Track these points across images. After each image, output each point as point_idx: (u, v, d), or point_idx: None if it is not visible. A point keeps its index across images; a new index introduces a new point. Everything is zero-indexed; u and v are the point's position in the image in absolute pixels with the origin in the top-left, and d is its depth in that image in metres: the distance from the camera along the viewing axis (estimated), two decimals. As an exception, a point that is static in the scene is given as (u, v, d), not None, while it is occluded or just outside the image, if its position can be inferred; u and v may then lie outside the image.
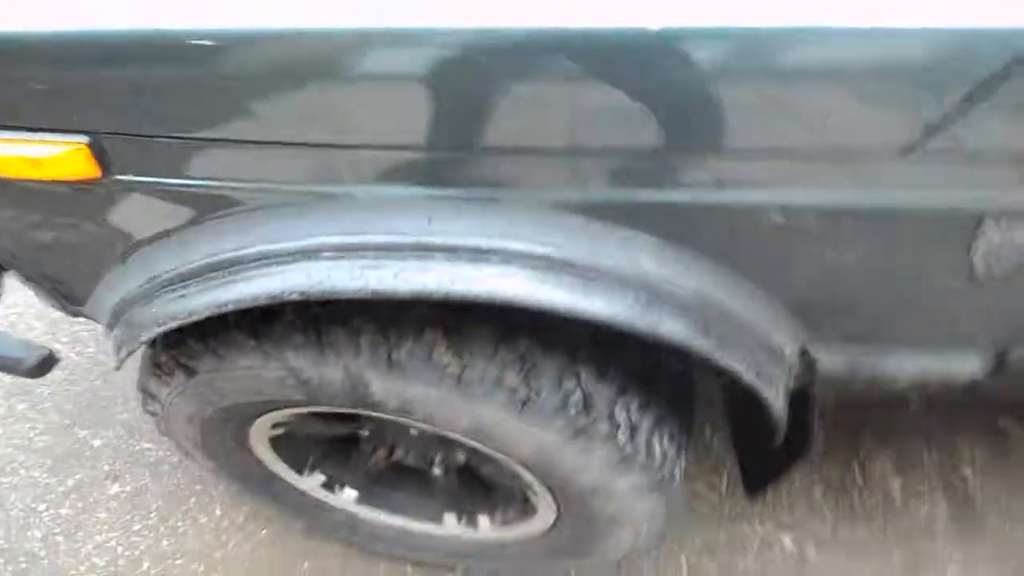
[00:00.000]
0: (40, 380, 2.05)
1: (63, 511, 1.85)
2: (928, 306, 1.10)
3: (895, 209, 0.94)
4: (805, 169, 0.90)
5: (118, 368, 1.18)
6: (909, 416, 2.04)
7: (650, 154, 0.89)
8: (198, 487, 1.89)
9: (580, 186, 0.94)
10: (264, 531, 1.82)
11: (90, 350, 2.14)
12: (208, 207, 1.02)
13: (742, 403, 1.27)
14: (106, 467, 1.93)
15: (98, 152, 0.96)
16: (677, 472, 1.32)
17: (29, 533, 1.81)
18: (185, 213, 1.03)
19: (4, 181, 1.02)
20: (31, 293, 1.29)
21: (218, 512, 1.85)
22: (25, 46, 0.90)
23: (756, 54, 0.80)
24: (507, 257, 0.96)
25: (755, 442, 1.48)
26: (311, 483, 1.60)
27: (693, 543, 1.81)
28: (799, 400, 1.35)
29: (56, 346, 1.91)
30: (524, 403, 1.12)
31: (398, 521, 1.64)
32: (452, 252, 0.96)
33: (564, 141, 0.89)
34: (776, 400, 1.15)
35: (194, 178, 0.98)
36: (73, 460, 1.94)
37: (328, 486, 1.62)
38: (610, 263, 0.98)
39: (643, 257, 0.99)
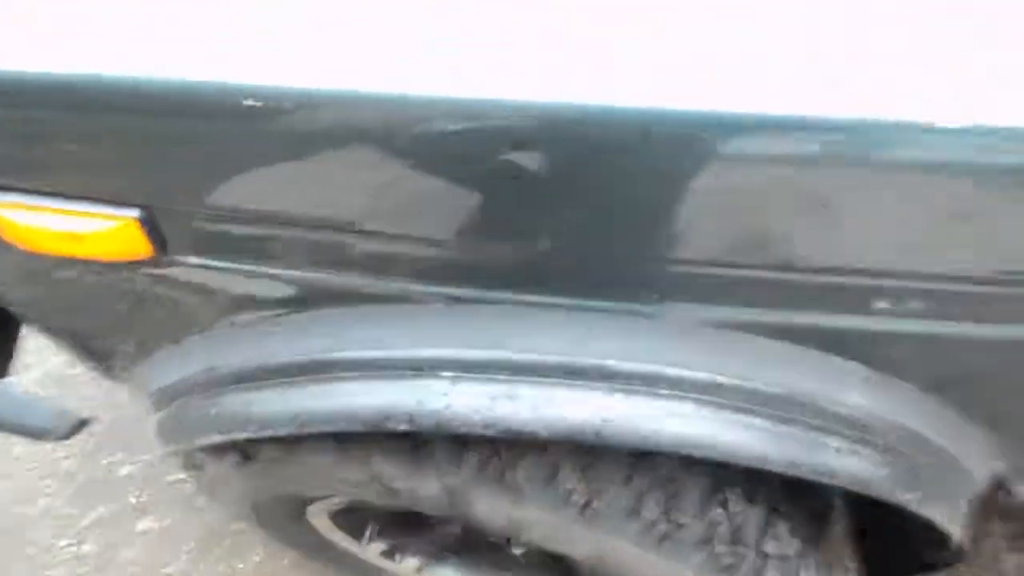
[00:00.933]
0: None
1: (86, 547, 1.67)
2: None
3: None
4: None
5: (161, 455, 0.98)
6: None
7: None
8: (235, 527, 1.70)
9: (783, 306, 0.72)
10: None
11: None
12: (290, 300, 0.80)
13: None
14: (133, 499, 1.74)
15: (150, 228, 0.74)
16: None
17: (50, 572, 1.63)
18: (260, 303, 0.81)
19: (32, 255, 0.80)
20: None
21: (257, 558, 1.67)
22: (60, 89, 0.68)
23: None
24: (683, 388, 0.75)
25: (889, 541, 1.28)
26: (371, 550, 1.41)
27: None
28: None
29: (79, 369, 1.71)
30: (663, 537, 0.91)
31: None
32: (612, 378, 0.75)
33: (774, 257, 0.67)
34: (957, 532, 0.95)
35: (271, 266, 0.77)
36: (98, 489, 1.75)
37: (389, 555, 1.42)
38: (813, 399, 0.77)
39: (852, 391, 0.78)
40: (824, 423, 0.77)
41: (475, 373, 0.76)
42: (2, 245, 0.79)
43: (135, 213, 0.73)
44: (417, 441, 0.91)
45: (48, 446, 1.80)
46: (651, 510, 0.90)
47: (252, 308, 0.82)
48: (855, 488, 0.79)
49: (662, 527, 0.90)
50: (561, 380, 0.74)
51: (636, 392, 0.74)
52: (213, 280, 0.79)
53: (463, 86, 0.61)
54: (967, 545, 1.13)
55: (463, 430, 0.74)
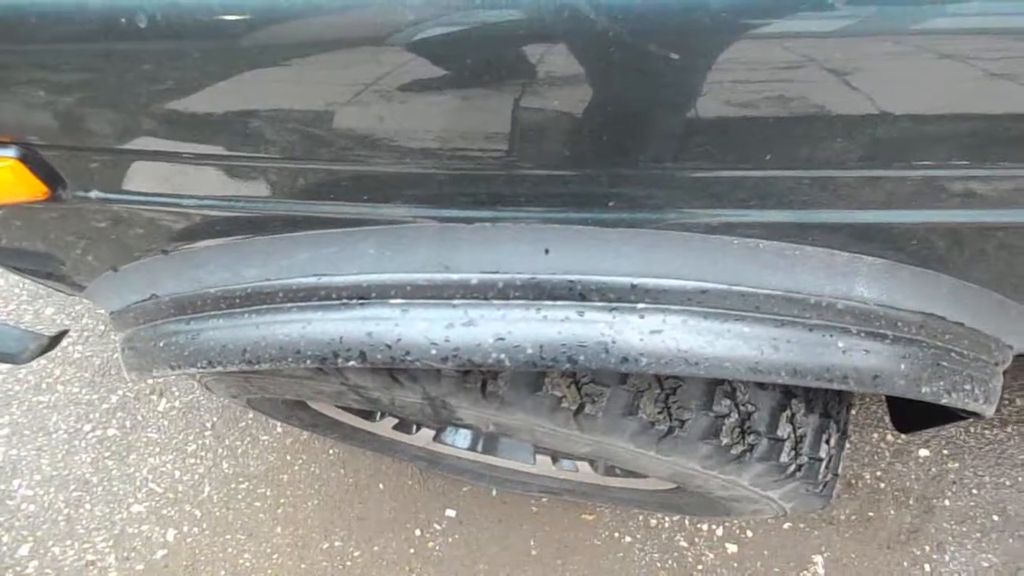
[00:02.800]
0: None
1: (111, 431, 1.68)
2: None
3: None
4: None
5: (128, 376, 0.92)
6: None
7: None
8: (250, 415, 1.68)
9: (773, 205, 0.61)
10: (332, 451, 1.64)
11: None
12: (220, 227, 0.70)
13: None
14: (149, 380, 1.72)
15: (37, 168, 0.64)
16: (839, 467, 1.05)
17: (77, 458, 1.65)
18: (190, 232, 0.72)
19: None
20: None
21: (279, 429, 1.67)
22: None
23: None
24: (665, 299, 0.65)
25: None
26: (383, 425, 1.38)
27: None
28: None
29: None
30: (664, 435, 0.84)
31: (482, 458, 1.44)
32: (588, 296, 0.65)
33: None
34: (989, 408, 0.86)
35: (183, 197, 0.66)
36: (114, 372, 1.75)
37: (403, 428, 1.40)
38: (811, 297, 0.66)
39: (857, 283, 0.67)
40: (827, 321, 0.67)
41: (430, 298, 0.66)
42: None
43: (13, 152, 0.62)
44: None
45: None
46: (650, 408, 0.83)
47: (176, 239, 0.72)
48: (871, 390, 0.69)
49: (662, 425, 0.83)
50: (526, 301, 0.65)
51: (613, 309, 0.65)
52: (125, 215, 0.69)
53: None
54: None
55: (418, 365, 0.66)
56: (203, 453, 1.65)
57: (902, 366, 0.70)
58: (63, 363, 1.76)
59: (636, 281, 0.64)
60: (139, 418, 1.70)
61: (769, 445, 0.89)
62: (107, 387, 1.73)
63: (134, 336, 0.84)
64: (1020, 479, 1.56)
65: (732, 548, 1.54)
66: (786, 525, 1.54)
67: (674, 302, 0.64)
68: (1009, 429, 1.60)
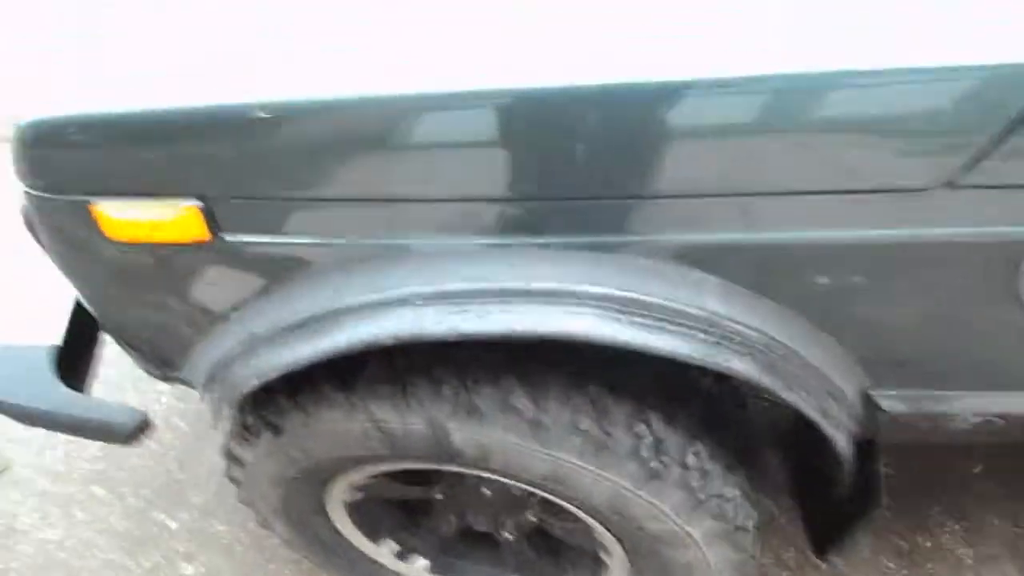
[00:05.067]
0: (117, 466, 2.15)
1: (141, 591, 1.90)
2: (983, 345, 1.15)
3: (937, 245, 1.00)
4: (848, 208, 0.98)
5: (215, 427, 1.26)
6: (973, 485, 2.03)
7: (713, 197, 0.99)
8: (272, 566, 1.92)
9: (652, 231, 1.03)
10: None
11: (168, 436, 2.22)
12: (303, 264, 1.12)
13: (809, 456, 1.31)
14: (181, 548, 1.98)
15: (208, 215, 1.07)
16: (749, 524, 1.34)
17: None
18: (283, 271, 1.13)
19: (129, 250, 1.13)
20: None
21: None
22: (138, 124, 1.04)
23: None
24: (583, 299, 1.04)
25: (823, 500, 1.50)
26: (384, 551, 1.64)
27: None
28: (865, 454, 1.38)
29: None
30: (598, 447, 1.17)
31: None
32: (531, 295, 1.04)
33: (636, 188, 0.98)
34: (840, 440, 1.19)
35: (292, 235, 1.09)
36: (150, 543, 2.00)
37: (401, 555, 1.65)
38: (679, 304, 1.05)
39: (710, 298, 1.06)
40: (690, 322, 1.05)
41: (437, 300, 1.06)
42: (99, 242, 1.12)
43: (196, 203, 1.06)
44: (404, 387, 1.20)
45: (104, 508, 2.06)
46: (587, 423, 1.17)
47: (278, 276, 1.13)
48: (725, 371, 1.05)
49: (597, 436, 1.16)
50: (496, 298, 1.04)
51: (554, 303, 1.04)
52: (252, 254, 1.11)
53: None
54: (880, 481, 1.38)
55: (432, 339, 1.03)
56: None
57: (745, 362, 1.07)
58: (107, 534, 2.02)
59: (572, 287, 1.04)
60: (166, 581, 1.92)
61: (680, 472, 1.21)
62: (143, 555, 1.97)
63: (229, 373, 1.20)
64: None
65: None
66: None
67: (591, 300, 1.04)
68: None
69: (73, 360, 1.49)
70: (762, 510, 1.47)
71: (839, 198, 0.97)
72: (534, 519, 1.52)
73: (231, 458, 1.43)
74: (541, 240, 1.04)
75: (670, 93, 0.91)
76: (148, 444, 2.19)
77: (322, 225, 1.08)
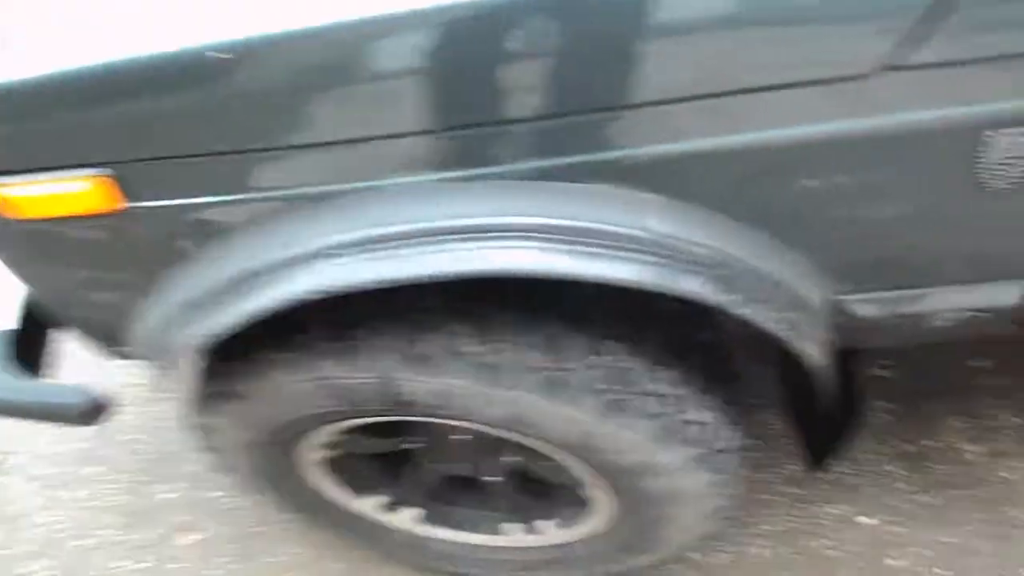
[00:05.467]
0: (109, 444, 2.14)
1: (142, 565, 1.89)
2: (953, 236, 1.08)
3: (888, 135, 0.93)
4: (791, 103, 0.90)
5: (164, 396, 1.22)
6: (982, 381, 1.98)
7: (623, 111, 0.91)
8: (270, 528, 1.91)
9: (586, 150, 0.95)
10: (340, 564, 1.83)
11: (155, 409, 2.21)
12: (220, 225, 1.06)
13: (794, 374, 1.25)
14: (181, 518, 1.97)
15: (120, 182, 1.01)
16: (731, 445, 1.29)
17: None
18: (208, 232, 1.07)
19: (37, 229, 1.08)
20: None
21: (297, 549, 1.87)
22: (35, 90, 0.97)
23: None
24: (515, 231, 0.97)
25: (813, 414, 1.45)
26: (374, 505, 1.61)
27: (768, 531, 1.77)
28: (847, 361, 1.33)
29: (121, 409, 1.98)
30: (554, 384, 1.12)
31: (460, 536, 1.64)
32: (463, 233, 0.98)
33: (565, 105, 0.91)
34: (811, 351, 1.13)
35: (205, 195, 1.02)
36: (149, 516, 1.99)
37: (392, 507, 1.62)
38: (621, 228, 0.98)
39: (653, 218, 1.00)
40: (633, 245, 0.98)
41: (364, 247, 0.99)
42: (5, 223, 1.07)
43: (105, 171, 1.00)
44: (347, 340, 1.15)
45: (100, 486, 2.06)
46: (539, 360, 1.11)
47: (203, 238, 1.07)
48: (675, 292, 0.99)
49: (551, 373, 1.11)
50: (425, 239, 0.98)
51: (488, 239, 0.97)
52: (172, 217, 1.05)
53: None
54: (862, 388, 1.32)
55: (361, 288, 0.97)
56: (221, 577, 1.85)
57: (696, 282, 1.00)
58: (104, 511, 2.01)
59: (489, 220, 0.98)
60: (167, 553, 1.92)
61: (643, 401, 1.16)
62: (140, 528, 1.97)
63: (168, 341, 1.15)
64: (955, 540, 1.71)
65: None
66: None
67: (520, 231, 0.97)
68: (940, 493, 1.79)
69: (29, 343, 1.46)
70: (750, 428, 1.42)
71: (778, 94, 0.89)
72: (512, 460, 1.48)
73: (204, 429, 1.40)
74: (467, 173, 0.98)
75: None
76: (139, 417, 2.18)
77: (234, 181, 1.01)
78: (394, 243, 0.99)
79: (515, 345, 1.12)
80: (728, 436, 1.29)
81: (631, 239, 0.98)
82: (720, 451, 1.27)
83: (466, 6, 0.86)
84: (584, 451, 1.22)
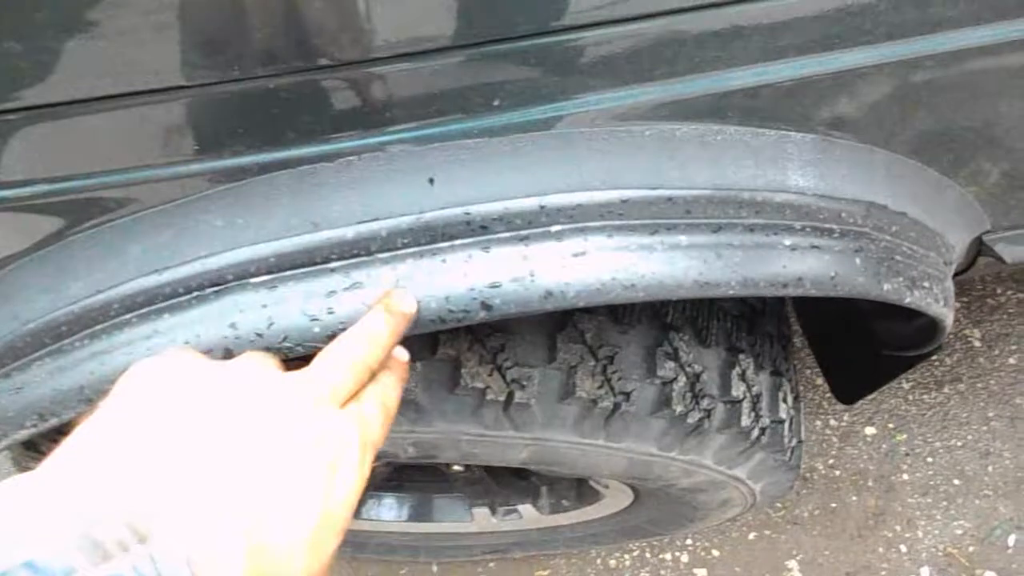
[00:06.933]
0: None
1: None
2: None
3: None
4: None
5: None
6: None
7: None
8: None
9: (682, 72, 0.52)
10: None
11: None
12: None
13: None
14: None
15: None
16: (802, 435, 0.96)
17: None
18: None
19: None
20: None
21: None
22: None
23: None
24: (575, 217, 0.54)
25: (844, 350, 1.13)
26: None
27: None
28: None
29: None
30: (610, 414, 0.73)
31: (414, 528, 1.28)
32: (488, 228, 0.54)
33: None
34: (949, 316, 0.78)
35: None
36: None
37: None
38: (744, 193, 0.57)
39: (790, 170, 0.58)
40: (767, 220, 0.57)
41: (298, 267, 0.53)
42: None
43: None
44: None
45: None
46: (587, 386, 0.71)
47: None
48: (827, 293, 0.60)
49: (606, 403, 0.72)
50: (419, 247, 0.53)
51: (523, 238, 0.53)
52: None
53: None
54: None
55: (300, 351, 0.53)
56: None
57: (857, 261, 0.61)
58: None
59: (544, 200, 0.53)
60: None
61: (726, 409, 0.79)
62: None
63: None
64: (969, 437, 1.50)
65: (701, 573, 1.42)
66: (751, 536, 1.44)
67: (593, 218, 0.54)
68: (946, 390, 1.56)
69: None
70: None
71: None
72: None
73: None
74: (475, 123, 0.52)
75: None
76: None
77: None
78: (365, 261, 0.53)
79: (547, 369, 0.71)
80: (799, 427, 0.95)
81: (774, 208, 0.57)
82: (796, 448, 0.93)
83: None
84: (631, 478, 0.85)
